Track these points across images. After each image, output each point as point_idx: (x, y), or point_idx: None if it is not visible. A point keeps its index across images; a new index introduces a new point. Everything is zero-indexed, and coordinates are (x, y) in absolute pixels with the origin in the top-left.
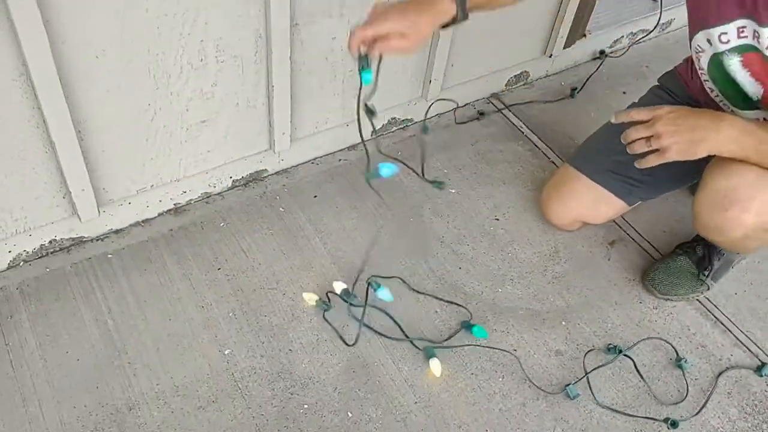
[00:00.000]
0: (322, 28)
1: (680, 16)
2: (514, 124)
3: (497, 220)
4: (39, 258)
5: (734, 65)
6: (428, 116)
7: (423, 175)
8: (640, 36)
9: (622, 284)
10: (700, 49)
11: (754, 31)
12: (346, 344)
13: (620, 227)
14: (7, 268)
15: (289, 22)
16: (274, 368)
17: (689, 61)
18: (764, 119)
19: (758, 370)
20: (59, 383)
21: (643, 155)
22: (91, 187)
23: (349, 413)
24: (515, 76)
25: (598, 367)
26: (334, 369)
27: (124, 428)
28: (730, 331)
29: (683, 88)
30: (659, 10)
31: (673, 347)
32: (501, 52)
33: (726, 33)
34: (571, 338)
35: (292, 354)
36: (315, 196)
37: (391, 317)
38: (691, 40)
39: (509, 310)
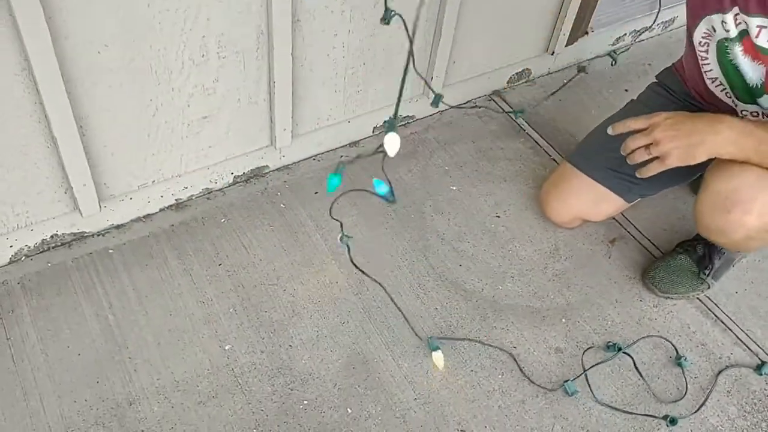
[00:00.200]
0: (324, 24)
1: (682, 14)
2: (515, 121)
3: (498, 217)
4: (40, 253)
5: (737, 51)
6: (429, 114)
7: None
8: (644, 34)
9: (623, 282)
10: (704, 41)
11: (744, 20)
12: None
13: (621, 225)
14: (9, 263)
15: (291, 18)
16: (274, 364)
17: (686, 57)
18: (765, 115)
19: (758, 368)
20: (60, 378)
21: (644, 164)
22: (93, 183)
23: (348, 409)
24: (517, 73)
25: (597, 364)
26: (334, 365)
27: (124, 423)
28: (730, 329)
29: (680, 84)
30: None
31: (672, 345)
32: (503, 49)
33: (726, 22)
34: (571, 336)
35: (292, 350)
36: (316, 193)
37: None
38: (693, 32)
39: (509, 307)
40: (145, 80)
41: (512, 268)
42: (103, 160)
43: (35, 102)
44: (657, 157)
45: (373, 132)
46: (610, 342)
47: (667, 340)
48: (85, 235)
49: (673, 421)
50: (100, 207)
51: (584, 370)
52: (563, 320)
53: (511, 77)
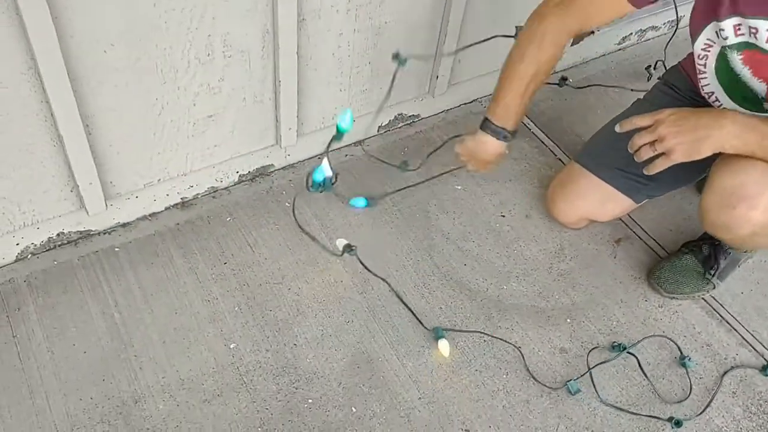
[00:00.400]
0: (330, 23)
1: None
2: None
3: (503, 217)
4: (47, 251)
5: (736, 61)
6: (434, 113)
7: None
8: (649, 33)
9: (628, 282)
10: (706, 48)
11: (749, 27)
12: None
13: (626, 225)
14: (15, 261)
15: (296, 18)
16: (279, 363)
17: (692, 55)
18: None
19: (763, 369)
20: (66, 375)
21: (651, 161)
22: (99, 181)
23: (353, 408)
24: None
25: (601, 363)
26: (338, 364)
27: (129, 421)
28: (735, 330)
29: (686, 81)
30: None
31: (677, 346)
32: (508, 48)
33: (723, 30)
34: (576, 336)
35: (297, 348)
36: (321, 191)
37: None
38: (695, 40)
39: (514, 307)
40: (150, 79)
41: (517, 267)
42: (109, 159)
43: (41, 101)
44: (663, 153)
45: (378, 131)
46: (615, 342)
47: (672, 341)
48: (91, 233)
49: (678, 423)
50: (106, 205)
51: (588, 369)
52: (568, 320)
53: None
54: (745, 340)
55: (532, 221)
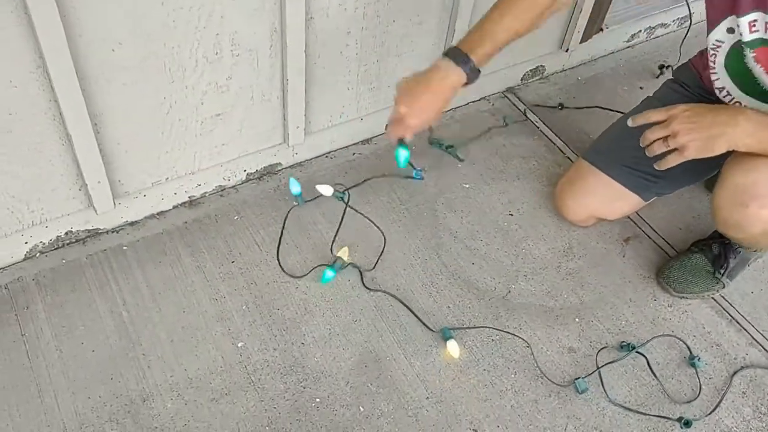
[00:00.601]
0: (338, 21)
1: (699, 10)
2: (528, 118)
3: (511, 215)
4: (55, 249)
5: (749, 57)
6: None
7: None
8: (659, 30)
9: (637, 281)
10: (718, 44)
11: (766, 23)
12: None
13: (635, 224)
14: (24, 259)
15: (304, 16)
16: (286, 362)
17: (703, 53)
18: None
19: None
20: (74, 374)
21: (663, 156)
22: (107, 180)
23: (360, 407)
24: (531, 70)
25: (610, 362)
26: (346, 363)
27: (138, 419)
28: (745, 329)
29: (696, 79)
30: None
31: (687, 345)
32: (517, 46)
33: (740, 26)
34: (585, 335)
35: (305, 347)
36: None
37: (407, 301)
38: (710, 33)
39: (522, 306)
40: (158, 78)
41: (525, 266)
42: (118, 158)
43: (50, 99)
44: (675, 149)
45: (386, 129)
46: (624, 341)
47: (682, 340)
48: (100, 231)
49: (687, 424)
50: (114, 204)
51: (597, 369)
52: (577, 319)
53: (525, 74)
54: (755, 340)
55: (540, 220)
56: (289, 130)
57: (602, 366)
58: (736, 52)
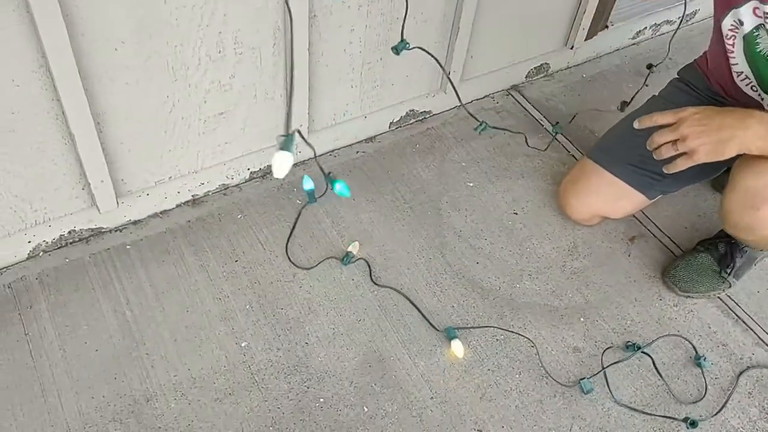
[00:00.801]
0: (341, 19)
1: (704, 7)
2: (533, 116)
3: (515, 214)
4: (58, 248)
5: (762, 44)
6: (446, 109)
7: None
8: (664, 27)
9: (642, 281)
10: (731, 34)
11: (765, 12)
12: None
13: (641, 223)
14: (27, 258)
15: (308, 14)
16: (290, 361)
17: (711, 50)
18: None
19: None
20: (78, 374)
21: (671, 159)
22: (110, 179)
23: (365, 407)
24: (536, 67)
25: (615, 363)
26: (350, 363)
27: (141, 419)
28: (751, 329)
29: (703, 80)
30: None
31: (692, 345)
32: (521, 43)
33: (741, 18)
34: (590, 335)
35: (309, 347)
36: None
37: (409, 299)
38: (721, 24)
39: (527, 305)
40: (161, 77)
41: (530, 265)
42: (120, 157)
43: (52, 99)
44: (684, 153)
45: (389, 128)
46: (629, 341)
47: (687, 340)
48: (103, 230)
49: (693, 424)
50: (117, 203)
51: (602, 369)
52: (582, 319)
53: (529, 72)
54: (762, 340)
55: (545, 218)
56: (293, 128)
57: (607, 366)
58: (749, 40)
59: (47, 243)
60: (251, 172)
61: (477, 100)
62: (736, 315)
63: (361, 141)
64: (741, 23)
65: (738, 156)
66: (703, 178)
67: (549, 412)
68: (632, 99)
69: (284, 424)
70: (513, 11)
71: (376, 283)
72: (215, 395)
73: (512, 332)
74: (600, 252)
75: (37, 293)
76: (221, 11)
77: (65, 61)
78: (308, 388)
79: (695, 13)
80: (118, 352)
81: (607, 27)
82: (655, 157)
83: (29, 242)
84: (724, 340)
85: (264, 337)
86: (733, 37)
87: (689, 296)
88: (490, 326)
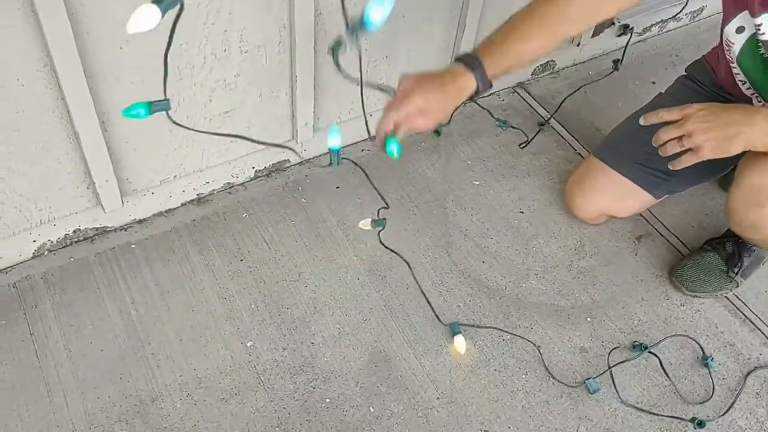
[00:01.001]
0: None
1: (711, 3)
2: (540, 114)
3: (522, 213)
4: (63, 247)
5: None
6: None
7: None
8: (671, 24)
9: (649, 280)
10: (730, 41)
11: (755, 25)
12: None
13: (648, 222)
14: (32, 258)
15: (314, 12)
16: (296, 361)
17: (717, 50)
18: None
19: None
20: (83, 374)
21: (676, 156)
22: (115, 178)
23: (371, 408)
24: (542, 65)
25: (622, 362)
26: (356, 363)
27: (147, 419)
28: (759, 329)
29: (710, 76)
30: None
31: (700, 345)
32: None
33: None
34: (596, 335)
35: (314, 347)
36: (337, 187)
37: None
38: (724, 28)
39: (533, 305)
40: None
41: (536, 265)
42: (125, 156)
43: (57, 98)
44: (690, 149)
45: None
46: (636, 341)
47: (694, 340)
48: (108, 229)
49: (700, 424)
50: (122, 202)
51: (609, 369)
52: (588, 319)
53: (535, 69)
54: None
55: (551, 217)
56: (298, 127)
57: (614, 366)
58: (750, 46)
59: (52, 242)
60: (256, 171)
61: (483, 97)
62: (744, 315)
63: (366, 139)
64: (744, 28)
65: (743, 153)
66: (710, 177)
67: (555, 413)
68: (623, 55)
69: (290, 425)
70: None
71: (386, 246)
72: (221, 395)
73: (518, 334)
74: (607, 251)
75: (42, 293)
76: (227, 9)
77: (70, 59)
78: (314, 388)
79: (702, 10)
80: (123, 352)
81: (613, 24)
82: (660, 154)
83: (34, 241)
84: (732, 340)
85: (269, 336)
86: (734, 42)
87: (696, 296)
88: (496, 328)
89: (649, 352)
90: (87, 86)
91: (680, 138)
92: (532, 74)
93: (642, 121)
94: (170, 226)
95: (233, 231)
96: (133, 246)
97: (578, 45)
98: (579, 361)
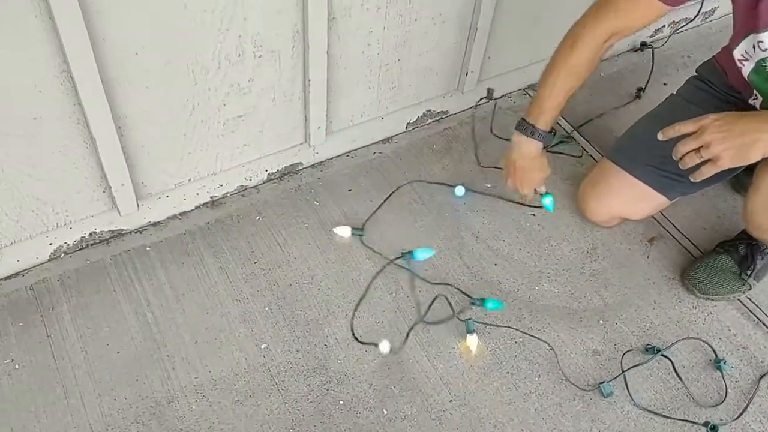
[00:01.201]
0: (360, 21)
1: (723, 4)
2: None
3: (534, 215)
4: (79, 250)
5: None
6: (464, 108)
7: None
8: (682, 25)
9: (662, 283)
10: (743, 58)
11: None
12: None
13: (660, 224)
14: (49, 260)
15: (327, 17)
16: (310, 363)
17: (726, 49)
18: None
19: None
20: (100, 375)
21: (696, 168)
22: (131, 182)
23: (384, 410)
24: None
25: (635, 366)
26: (369, 365)
27: (163, 421)
28: None
29: (721, 76)
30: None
31: (712, 348)
32: (538, 43)
33: (762, 42)
34: (609, 338)
35: (328, 349)
36: (350, 190)
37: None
38: (734, 49)
39: (546, 308)
40: (181, 80)
41: (548, 267)
42: (141, 160)
43: (74, 103)
44: (709, 160)
45: (406, 128)
46: (648, 344)
47: (707, 343)
48: (123, 232)
49: (713, 428)
50: (137, 205)
51: (622, 372)
52: (600, 321)
53: None
54: None
55: (563, 220)
56: (311, 130)
57: (627, 369)
58: (760, 68)
59: (68, 245)
60: (269, 174)
61: (495, 99)
62: (757, 318)
63: (378, 142)
64: (754, 49)
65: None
66: (723, 178)
67: (568, 416)
68: (646, 85)
69: (304, 426)
70: (530, 11)
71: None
72: (236, 397)
73: (531, 336)
74: (619, 254)
75: (58, 295)
76: (241, 15)
77: (87, 66)
78: (328, 390)
79: (714, 11)
80: (139, 354)
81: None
82: (680, 167)
83: (51, 244)
84: (745, 343)
85: (283, 339)
86: (747, 60)
87: (709, 298)
88: (510, 327)
89: (662, 355)
90: (104, 92)
91: (698, 149)
92: None
93: (660, 137)
94: (185, 229)
95: (247, 233)
96: (148, 248)
97: None
98: (591, 364)
